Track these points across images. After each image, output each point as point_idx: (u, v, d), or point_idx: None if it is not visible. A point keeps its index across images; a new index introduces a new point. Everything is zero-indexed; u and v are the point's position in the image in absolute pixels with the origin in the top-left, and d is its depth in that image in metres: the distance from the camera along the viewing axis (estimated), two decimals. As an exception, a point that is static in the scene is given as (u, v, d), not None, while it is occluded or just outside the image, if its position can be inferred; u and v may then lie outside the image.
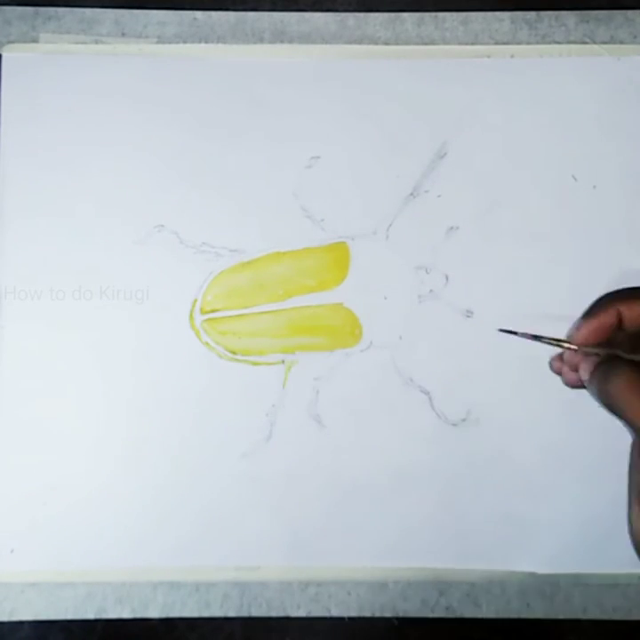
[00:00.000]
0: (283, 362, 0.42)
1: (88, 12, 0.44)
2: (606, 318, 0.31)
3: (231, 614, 0.41)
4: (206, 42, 0.44)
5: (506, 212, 0.43)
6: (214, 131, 0.43)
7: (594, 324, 0.32)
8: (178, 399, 0.42)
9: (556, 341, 0.33)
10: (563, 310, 0.42)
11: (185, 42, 0.44)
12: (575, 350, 0.32)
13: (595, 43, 0.44)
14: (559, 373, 0.35)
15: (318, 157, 0.43)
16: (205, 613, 0.41)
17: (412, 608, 0.42)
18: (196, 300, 0.42)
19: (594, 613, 0.42)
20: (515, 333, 0.35)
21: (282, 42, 0.44)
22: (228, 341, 0.42)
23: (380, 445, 0.42)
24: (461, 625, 0.42)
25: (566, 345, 0.33)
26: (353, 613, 0.42)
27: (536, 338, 0.34)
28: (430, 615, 0.42)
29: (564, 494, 0.42)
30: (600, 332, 0.32)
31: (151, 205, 0.42)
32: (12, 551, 0.41)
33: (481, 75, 0.43)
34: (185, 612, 0.41)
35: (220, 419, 0.42)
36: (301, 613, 0.42)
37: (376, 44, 0.44)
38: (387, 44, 0.44)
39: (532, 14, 0.44)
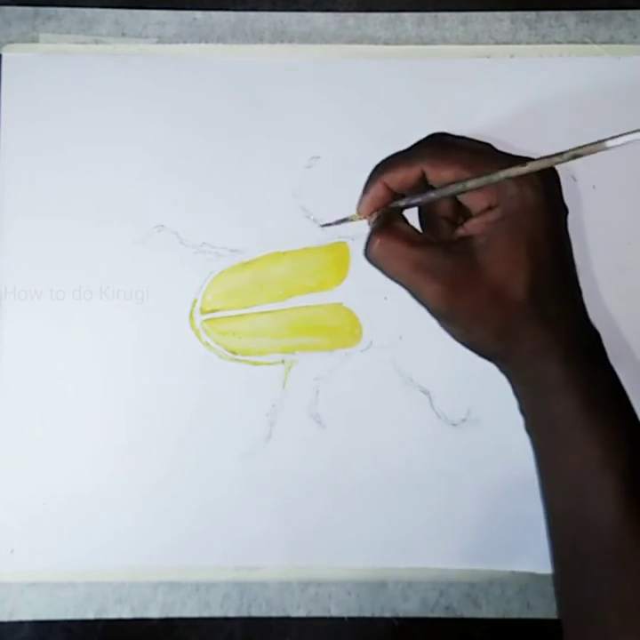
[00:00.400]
0: (283, 362, 0.42)
1: (88, 12, 0.44)
2: (374, 191, 0.36)
3: (231, 614, 0.41)
4: (206, 42, 0.44)
5: (506, 211, 0.43)
6: (214, 131, 0.43)
7: (366, 198, 0.36)
8: (178, 399, 0.42)
9: (351, 218, 0.38)
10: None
11: (185, 42, 0.44)
12: (362, 219, 0.37)
13: (595, 43, 0.44)
14: None
15: (318, 157, 0.43)
16: (205, 613, 0.41)
17: (411, 608, 0.42)
18: (195, 300, 0.42)
19: (594, 613, 0.42)
20: (329, 224, 0.40)
21: (282, 42, 0.44)
22: (228, 341, 0.42)
23: (380, 445, 0.42)
24: (461, 625, 0.42)
25: (357, 219, 0.38)
26: (353, 613, 0.42)
27: (342, 221, 0.39)
28: (430, 615, 0.42)
29: (564, 494, 0.42)
30: (375, 202, 0.36)
31: (151, 205, 0.42)
32: (11, 551, 0.41)
33: (481, 75, 0.43)
34: (185, 612, 0.41)
35: (220, 419, 0.42)
36: (301, 613, 0.42)
37: (376, 43, 0.44)
38: (387, 43, 0.44)
39: (532, 14, 0.44)
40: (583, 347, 0.34)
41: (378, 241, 0.34)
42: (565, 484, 0.34)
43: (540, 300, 0.33)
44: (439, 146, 0.35)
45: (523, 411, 0.36)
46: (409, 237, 0.34)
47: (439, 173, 0.34)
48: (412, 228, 0.36)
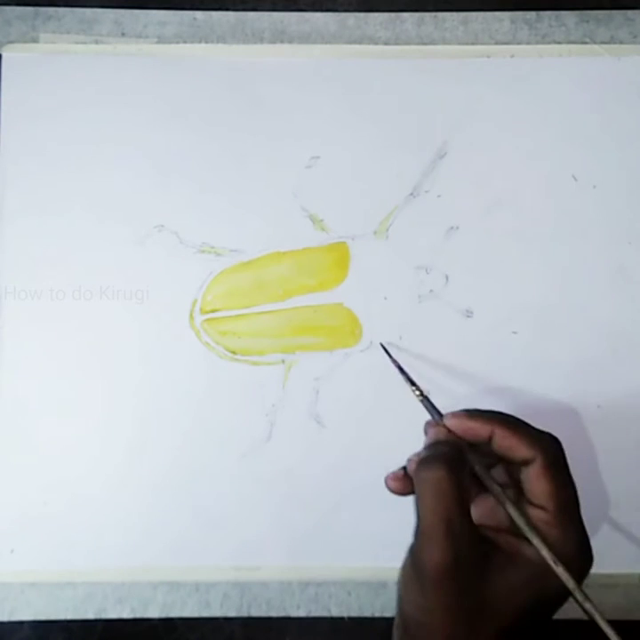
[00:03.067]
0: (283, 362, 0.42)
1: (88, 12, 0.44)
2: (480, 429, 0.32)
3: (231, 614, 0.41)
4: (206, 42, 0.44)
5: (506, 212, 0.43)
6: (214, 130, 0.43)
7: (469, 422, 0.33)
8: (178, 399, 0.42)
9: (415, 388, 0.37)
10: (562, 310, 0.42)
11: (185, 42, 0.44)
12: (438, 416, 0.35)
13: (595, 43, 0.44)
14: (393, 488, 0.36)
15: (318, 157, 0.43)
16: (205, 613, 0.41)
17: (412, 608, 0.42)
18: (195, 300, 0.42)
19: (594, 613, 0.42)
20: (390, 356, 0.40)
21: (282, 42, 0.44)
22: (228, 341, 0.42)
23: (381, 445, 0.42)
24: (461, 625, 0.42)
25: (419, 393, 0.36)
26: (353, 613, 0.42)
27: (401, 372, 0.39)
28: (430, 615, 0.42)
29: (564, 494, 0.42)
30: (468, 431, 0.33)
31: (151, 205, 0.42)
32: (11, 551, 0.41)
33: (481, 75, 0.43)
34: (185, 611, 0.41)
35: (220, 419, 0.42)
36: (301, 613, 0.42)
37: (376, 43, 0.44)
38: (387, 43, 0.44)
39: (532, 14, 0.44)
40: None
41: (444, 472, 0.30)
42: None
43: None
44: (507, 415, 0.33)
45: None
46: (464, 494, 0.30)
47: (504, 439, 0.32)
48: (471, 492, 0.32)
